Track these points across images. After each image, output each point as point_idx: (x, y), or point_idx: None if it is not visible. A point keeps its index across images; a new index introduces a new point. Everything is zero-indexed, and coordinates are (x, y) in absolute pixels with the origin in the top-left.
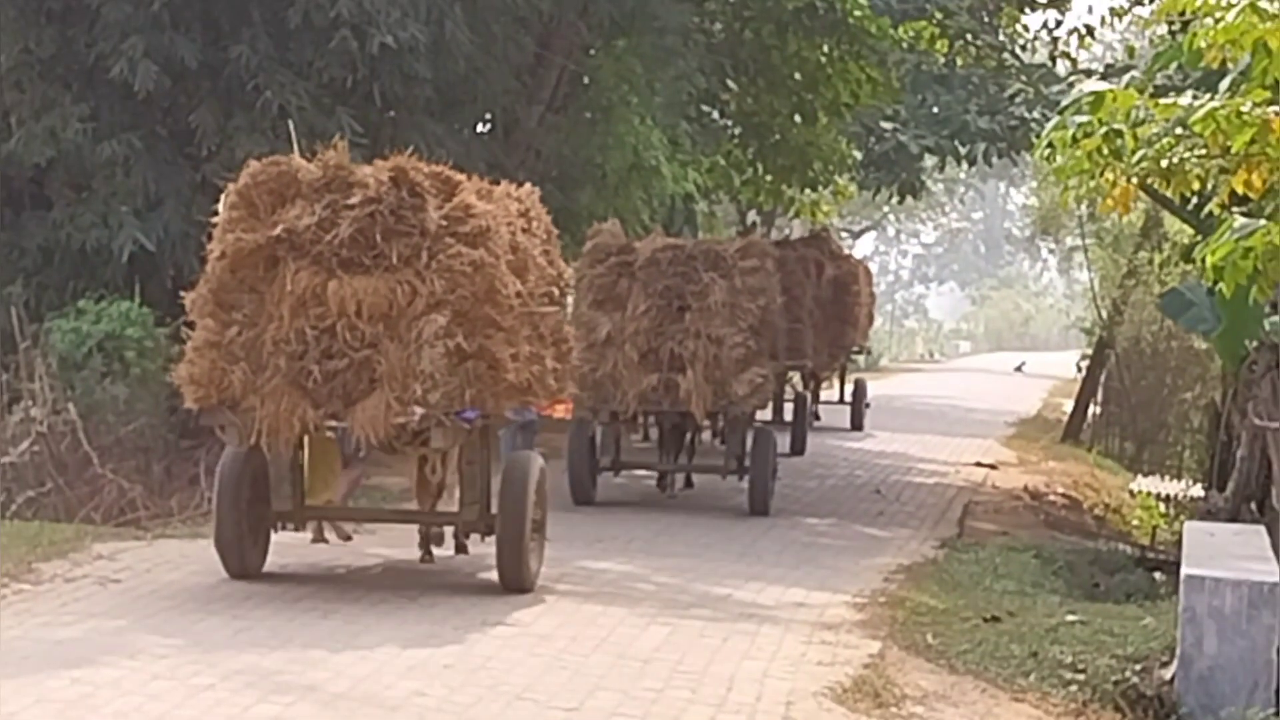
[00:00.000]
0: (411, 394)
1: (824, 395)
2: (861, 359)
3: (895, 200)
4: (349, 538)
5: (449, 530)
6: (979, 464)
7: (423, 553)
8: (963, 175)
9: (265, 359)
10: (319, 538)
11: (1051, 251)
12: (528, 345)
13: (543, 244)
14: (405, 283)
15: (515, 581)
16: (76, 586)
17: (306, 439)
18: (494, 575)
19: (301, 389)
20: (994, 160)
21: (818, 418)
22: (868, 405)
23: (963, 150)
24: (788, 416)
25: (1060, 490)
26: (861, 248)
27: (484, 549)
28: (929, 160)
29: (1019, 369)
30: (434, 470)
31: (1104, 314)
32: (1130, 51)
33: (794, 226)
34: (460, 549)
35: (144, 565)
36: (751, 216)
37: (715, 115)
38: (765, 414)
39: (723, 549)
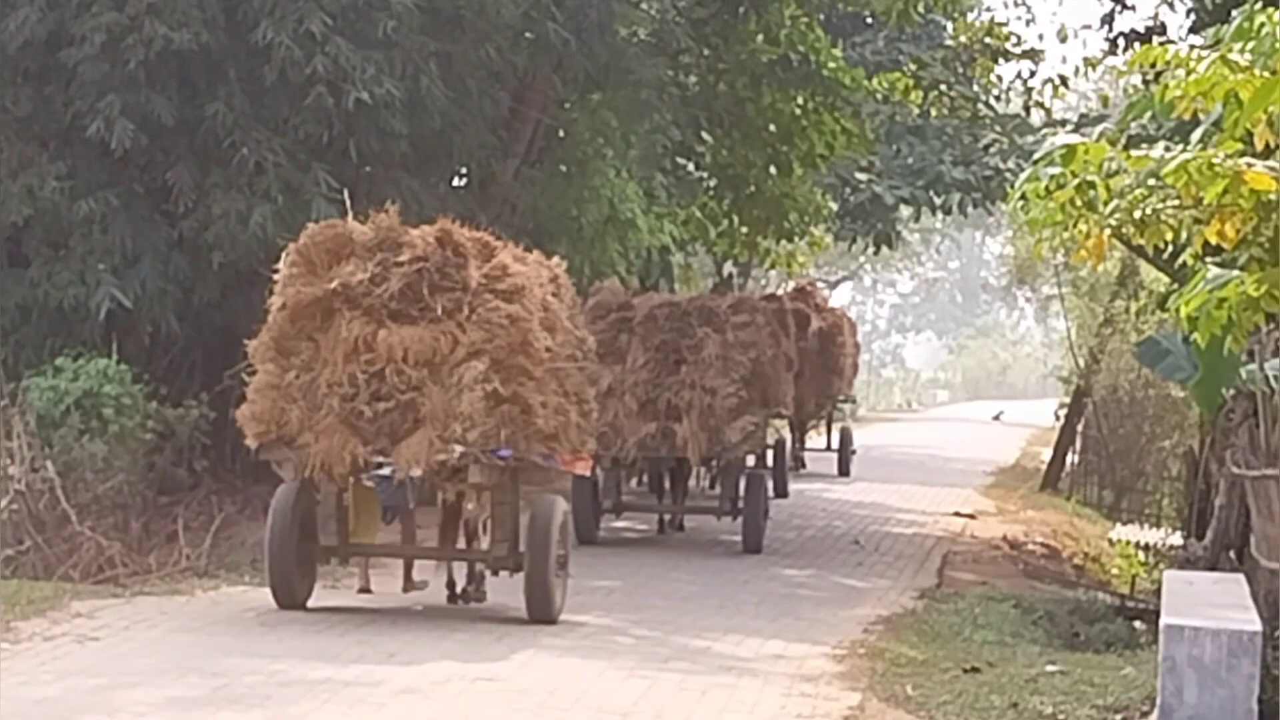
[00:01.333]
0: (452, 433)
1: (810, 443)
2: (848, 408)
3: (871, 250)
4: (414, 583)
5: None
6: (958, 514)
7: (450, 593)
8: (938, 225)
9: (320, 400)
10: (365, 587)
11: (1028, 300)
12: (555, 397)
13: (569, 309)
14: (448, 333)
15: (542, 613)
16: (55, 645)
17: (351, 485)
18: (483, 607)
19: (352, 427)
20: (969, 210)
21: (803, 465)
22: (853, 452)
23: (938, 200)
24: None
25: (1039, 539)
26: (838, 298)
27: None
28: (904, 210)
29: (997, 418)
30: (471, 507)
31: (1081, 362)
32: (1104, 101)
33: (770, 278)
34: (470, 594)
35: (122, 623)
36: (728, 268)
37: (690, 167)
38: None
39: (702, 600)
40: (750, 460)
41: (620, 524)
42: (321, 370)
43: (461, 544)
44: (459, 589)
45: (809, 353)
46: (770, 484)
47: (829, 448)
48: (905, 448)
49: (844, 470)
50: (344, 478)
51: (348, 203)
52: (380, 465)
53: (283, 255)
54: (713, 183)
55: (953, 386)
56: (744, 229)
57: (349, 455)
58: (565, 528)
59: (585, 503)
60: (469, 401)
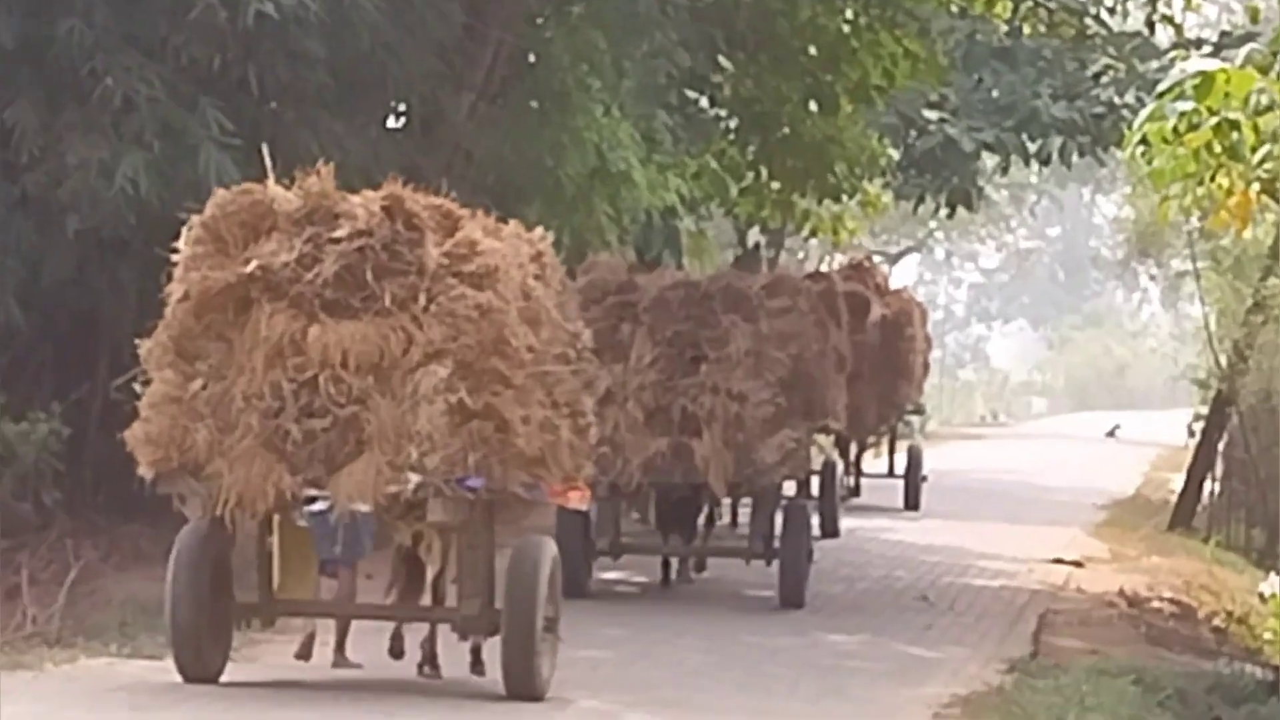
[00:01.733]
0: (406, 457)
1: (868, 466)
2: (917, 421)
3: (944, 214)
4: (346, 660)
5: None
6: (1059, 561)
7: (392, 647)
8: (1033, 180)
9: (234, 416)
10: (304, 652)
11: (1153, 278)
12: (540, 410)
13: (557, 296)
14: (399, 328)
15: (524, 687)
16: None
17: (276, 524)
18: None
19: (277, 451)
20: (1074, 159)
21: (857, 494)
22: (924, 478)
23: (1032, 147)
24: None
25: (1167, 594)
26: (901, 276)
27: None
28: (987, 160)
29: (1112, 434)
30: (429, 553)
31: (1223, 361)
32: (1253, 14)
33: (810, 250)
34: (427, 670)
35: None
36: (753, 236)
37: (704, 104)
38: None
39: (721, 675)
40: (789, 487)
41: (617, 571)
42: (236, 379)
43: (426, 599)
44: (423, 658)
45: (867, 349)
46: (815, 519)
47: (892, 473)
48: (990, 473)
49: (912, 502)
50: (267, 515)
51: (267, 158)
52: (313, 499)
53: (184, 230)
54: (733, 123)
55: (1053, 393)
56: (775, 184)
57: (273, 488)
58: (555, 579)
59: (573, 543)
60: (428, 417)
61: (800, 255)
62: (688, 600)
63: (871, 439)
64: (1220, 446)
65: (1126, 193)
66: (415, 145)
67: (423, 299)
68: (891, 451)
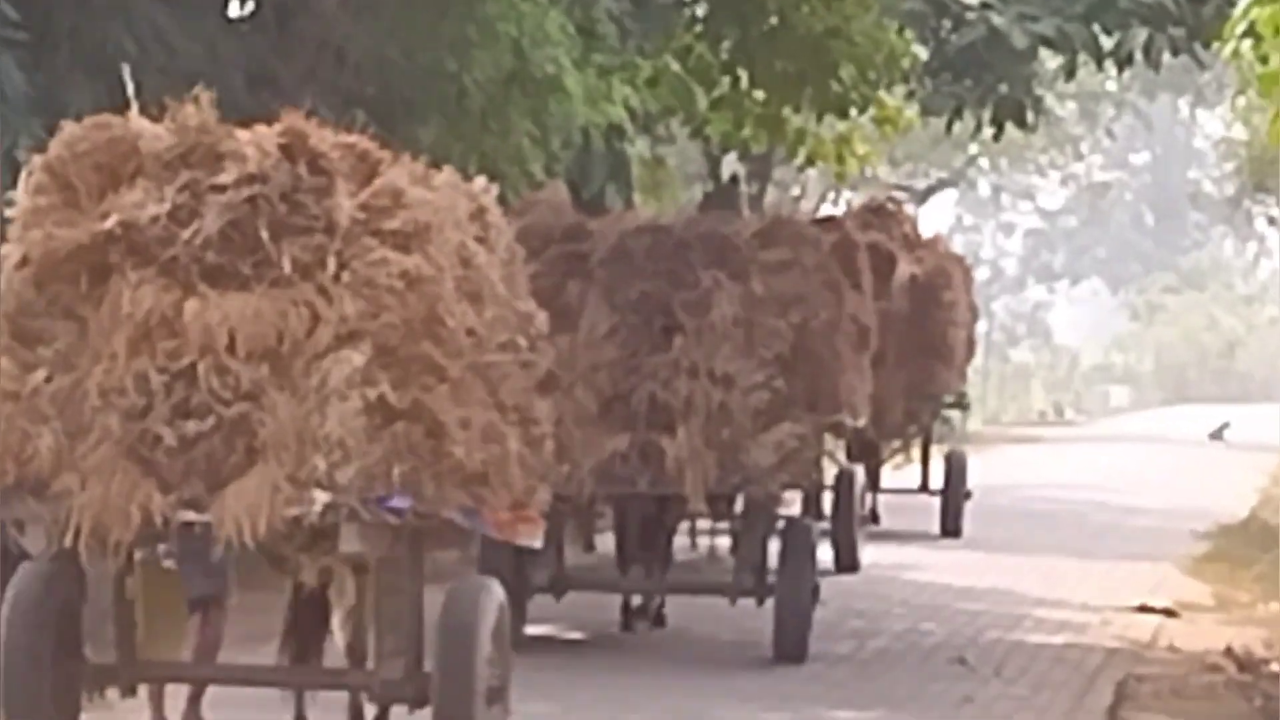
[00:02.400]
0: (311, 470)
1: (892, 478)
2: (957, 418)
3: (989, 134)
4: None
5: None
6: (1145, 609)
7: None
8: (1110, 88)
9: (89, 417)
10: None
11: (1272, 223)
12: (482, 412)
13: (504, 266)
14: (302, 303)
15: None
16: None
17: (139, 563)
18: None
19: (143, 462)
20: (1164, 60)
21: (876, 519)
22: (969, 495)
23: (1107, 42)
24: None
25: None
26: (933, 220)
27: None
28: (1048, 61)
29: (1218, 436)
30: (340, 596)
31: None
32: None
33: (807, 184)
34: None
35: None
36: (730, 165)
37: None
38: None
39: None
40: (789, 503)
41: (559, 611)
42: (91, 368)
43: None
44: None
45: (892, 320)
46: (826, 545)
47: (925, 487)
48: (1052, 489)
49: (951, 527)
50: (129, 548)
51: (126, 78)
52: (190, 525)
53: (22, 175)
54: (701, 11)
55: (1138, 380)
56: (758, 94)
57: (139, 510)
58: (501, 632)
59: (503, 576)
60: (339, 417)
61: (795, 192)
62: (653, 653)
63: (897, 442)
64: None
65: (1236, 105)
66: (267, 43)
67: (332, 264)
68: (925, 459)
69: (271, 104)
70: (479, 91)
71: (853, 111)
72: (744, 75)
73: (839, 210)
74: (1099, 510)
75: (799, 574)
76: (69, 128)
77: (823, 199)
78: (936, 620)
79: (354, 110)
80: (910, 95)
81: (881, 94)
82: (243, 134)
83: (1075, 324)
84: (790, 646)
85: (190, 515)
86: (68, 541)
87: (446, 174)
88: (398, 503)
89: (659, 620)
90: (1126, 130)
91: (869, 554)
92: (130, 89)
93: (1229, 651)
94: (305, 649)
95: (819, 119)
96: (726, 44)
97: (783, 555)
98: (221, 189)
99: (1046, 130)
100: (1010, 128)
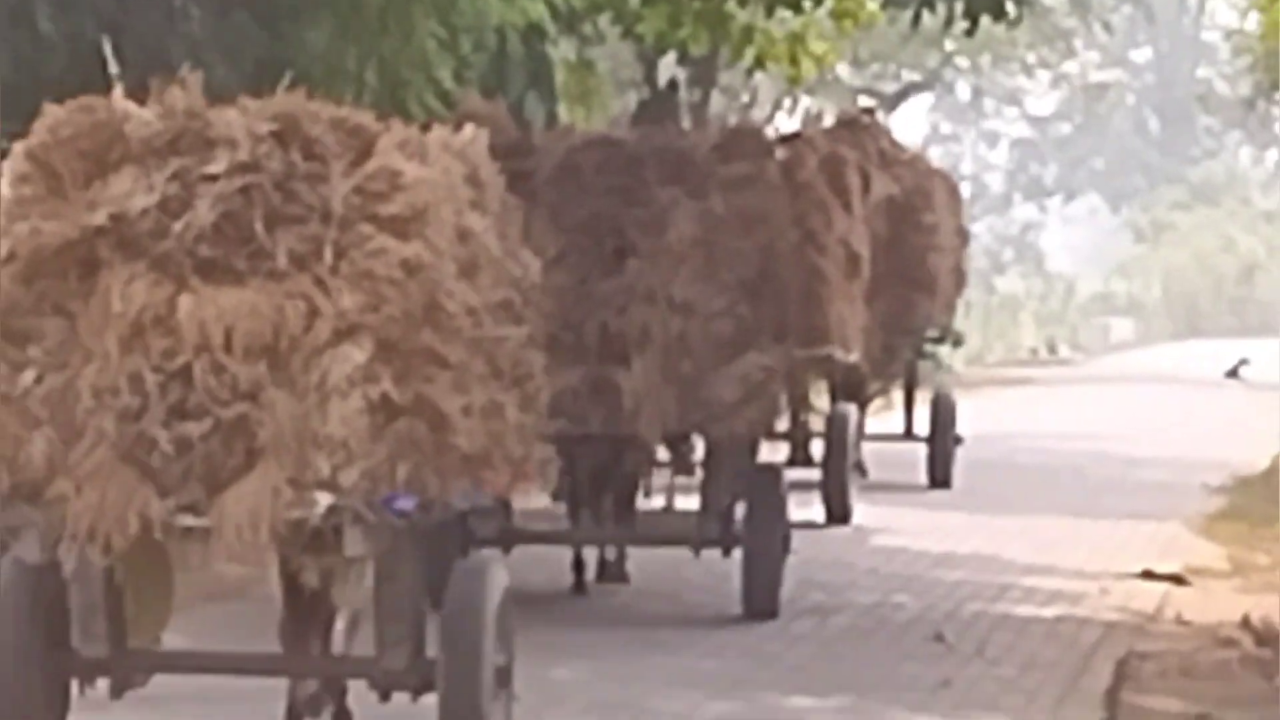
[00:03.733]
0: (314, 472)
1: (873, 423)
2: (946, 354)
3: (962, 29)
4: None
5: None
6: (1150, 575)
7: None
8: None
9: (82, 420)
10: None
11: None
12: (481, 390)
13: (497, 224)
14: (300, 296)
15: None
16: None
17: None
18: None
19: (140, 466)
20: None
21: (862, 469)
22: (959, 441)
23: None
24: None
25: None
26: (904, 129)
27: None
28: None
29: (1234, 374)
30: (343, 593)
31: None
32: None
33: (758, 91)
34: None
35: None
36: (668, 70)
37: None
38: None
39: None
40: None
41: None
42: (83, 368)
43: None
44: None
45: (873, 243)
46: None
47: (908, 431)
48: (1044, 439)
49: (939, 476)
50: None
51: (108, 55)
52: (189, 531)
53: (1, 164)
54: None
55: (1142, 311)
56: None
57: (136, 515)
58: (505, 614)
59: (446, 530)
60: (341, 416)
61: (743, 99)
62: (608, 615)
63: (876, 384)
64: None
65: None
66: None
67: (329, 255)
68: (909, 403)
69: (140, 4)
70: None
71: (807, 4)
72: None
73: (799, 120)
74: (1098, 462)
75: (768, 522)
76: (51, 111)
77: (776, 106)
78: (910, 591)
79: (235, 13)
80: None
81: None
82: (232, 116)
83: (1070, 247)
84: (760, 599)
85: (189, 520)
86: (64, 549)
87: (436, 134)
88: (403, 504)
89: (620, 573)
90: (1126, 22)
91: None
92: (113, 68)
93: (1245, 623)
94: (294, 637)
95: (768, 14)
96: None
97: (750, 502)
98: (213, 178)
99: (1033, 24)
100: (987, 21)
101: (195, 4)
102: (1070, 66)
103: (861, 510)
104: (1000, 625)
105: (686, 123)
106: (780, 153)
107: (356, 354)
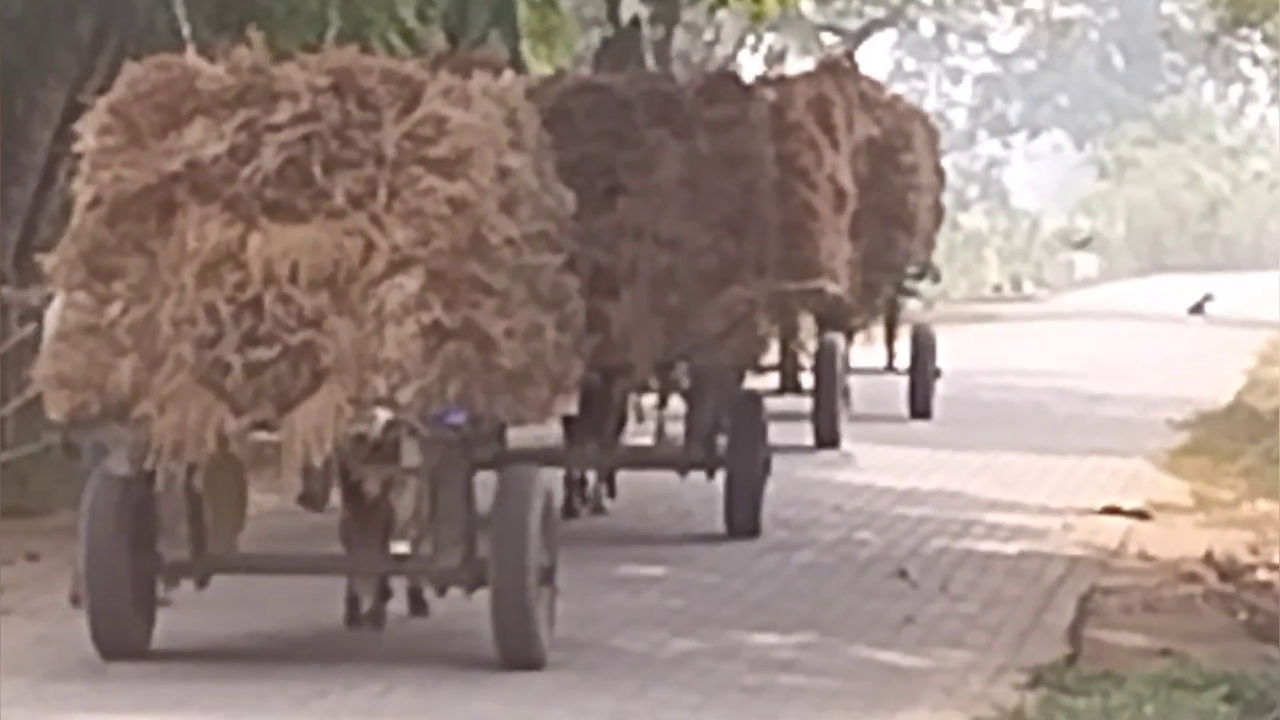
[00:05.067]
0: (373, 391)
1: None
2: (925, 289)
3: None
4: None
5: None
6: (1113, 510)
7: (350, 613)
8: None
9: (163, 347)
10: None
11: (1258, 63)
12: (523, 313)
13: (534, 161)
14: (358, 232)
15: (520, 652)
16: None
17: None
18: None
19: (216, 388)
20: None
21: (846, 399)
22: (938, 374)
23: None
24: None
25: None
26: (868, 65)
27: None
28: None
29: (1198, 309)
30: (400, 499)
31: None
32: None
33: (720, 31)
34: (417, 607)
35: None
36: (631, 8)
37: None
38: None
39: (589, 699)
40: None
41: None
42: (163, 300)
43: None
44: (365, 607)
45: (855, 182)
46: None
47: (890, 365)
48: (1009, 375)
49: (921, 408)
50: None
51: (180, 12)
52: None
53: (86, 117)
54: None
55: (1107, 247)
56: None
57: (214, 432)
58: (549, 518)
59: None
60: (397, 340)
61: (707, 36)
62: (565, 556)
63: (858, 318)
64: None
65: None
66: None
67: (383, 195)
68: (890, 337)
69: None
70: None
71: None
72: None
73: (762, 57)
74: (1062, 399)
75: (749, 445)
76: (130, 68)
77: (740, 44)
78: (873, 528)
79: None
80: None
81: None
82: (293, 70)
83: (1034, 184)
84: (742, 519)
85: (261, 435)
86: (149, 463)
87: (478, 81)
88: (454, 418)
89: (599, 508)
90: None
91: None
92: (186, 29)
93: (1209, 557)
94: (357, 539)
95: None
96: None
97: (732, 428)
98: (278, 128)
99: None
100: None
101: None
102: (1034, 2)
103: (798, 456)
104: (963, 562)
105: (650, 60)
106: (770, 94)
107: (410, 284)
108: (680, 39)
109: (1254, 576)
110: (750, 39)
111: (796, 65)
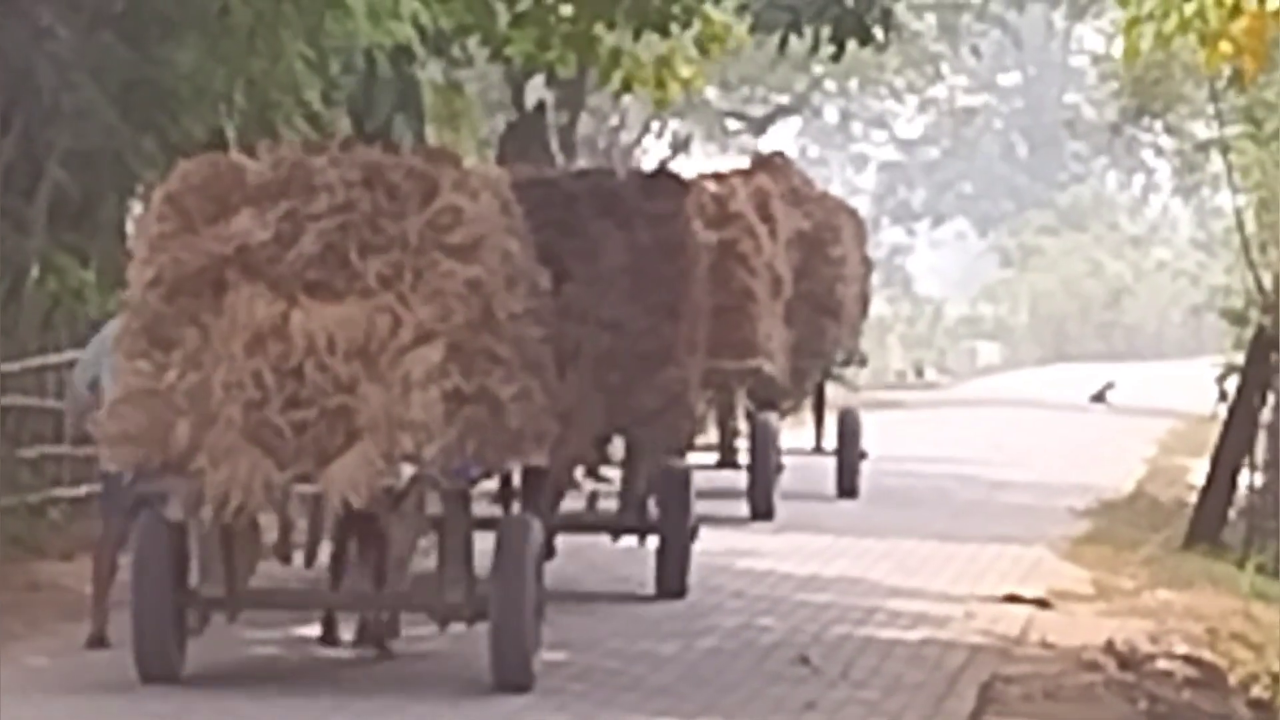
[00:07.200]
0: (401, 448)
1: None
2: (852, 374)
3: (830, 54)
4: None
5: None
6: (1015, 599)
7: (326, 634)
8: None
9: (216, 409)
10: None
11: (1161, 153)
12: (520, 377)
13: (520, 241)
14: (386, 309)
15: (517, 674)
16: None
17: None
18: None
19: (263, 445)
20: None
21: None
22: (863, 455)
23: None
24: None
25: (1182, 649)
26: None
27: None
28: None
29: (1100, 398)
30: (398, 536)
31: (1266, 281)
32: None
33: (626, 115)
34: (377, 644)
35: None
36: (536, 93)
37: None
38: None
39: None
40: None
41: None
42: (215, 368)
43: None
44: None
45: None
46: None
47: (818, 446)
48: (911, 462)
49: (847, 487)
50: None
51: (226, 121)
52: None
53: (146, 203)
54: None
55: (1010, 335)
56: (566, 9)
57: (260, 484)
58: (540, 559)
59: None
60: (422, 404)
61: (612, 121)
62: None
63: (787, 403)
64: (1264, 415)
65: (1117, 19)
66: None
67: (409, 276)
68: (819, 420)
69: (6, 23)
70: (244, 7)
71: (674, 28)
72: None
73: (667, 142)
74: (964, 485)
75: (679, 511)
76: (183, 163)
77: (645, 129)
78: (775, 614)
79: (102, 32)
80: (742, 9)
81: (707, 7)
82: (325, 165)
83: (938, 271)
84: (671, 579)
85: (303, 487)
86: (203, 512)
87: (479, 170)
88: (471, 471)
89: (551, 550)
90: (994, 47)
91: (713, 531)
92: (231, 131)
93: (1109, 646)
94: (358, 575)
95: (635, 36)
96: None
97: (662, 495)
98: (317, 216)
99: (901, 48)
100: (855, 46)
101: (62, 23)
102: (938, 91)
103: (711, 539)
104: (865, 648)
105: (555, 145)
106: (713, 186)
107: (432, 355)
108: (585, 124)
109: (1154, 665)
110: (655, 125)
111: (701, 152)
